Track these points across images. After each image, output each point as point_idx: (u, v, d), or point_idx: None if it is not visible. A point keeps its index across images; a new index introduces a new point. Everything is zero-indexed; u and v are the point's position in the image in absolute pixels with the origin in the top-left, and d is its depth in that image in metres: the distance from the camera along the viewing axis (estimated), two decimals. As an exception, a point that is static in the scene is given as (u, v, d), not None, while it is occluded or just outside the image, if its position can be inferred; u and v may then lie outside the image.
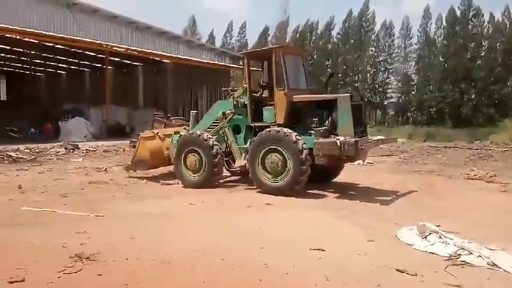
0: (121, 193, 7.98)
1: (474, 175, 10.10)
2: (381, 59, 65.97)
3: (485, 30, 55.68)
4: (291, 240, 4.82)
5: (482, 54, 53.12)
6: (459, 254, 4.27)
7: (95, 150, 15.92)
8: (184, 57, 28.95)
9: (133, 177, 9.82)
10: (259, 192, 7.75)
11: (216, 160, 8.37)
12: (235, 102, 8.63)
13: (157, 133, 10.06)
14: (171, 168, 9.70)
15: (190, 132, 9.07)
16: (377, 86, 66.46)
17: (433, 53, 58.13)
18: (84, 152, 15.53)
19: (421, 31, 62.03)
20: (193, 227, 5.52)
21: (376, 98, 65.82)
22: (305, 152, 7.27)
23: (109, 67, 27.99)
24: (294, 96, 7.99)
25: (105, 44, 23.59)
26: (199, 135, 8.58)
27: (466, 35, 53.57)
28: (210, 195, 7.63)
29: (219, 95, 28.53)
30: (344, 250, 4.54)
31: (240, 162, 8.49)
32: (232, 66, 32.95)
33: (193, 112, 10.30)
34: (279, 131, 7.54)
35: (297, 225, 5.65)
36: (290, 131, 7.49)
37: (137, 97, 32.72)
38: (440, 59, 55.72)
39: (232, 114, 8.72)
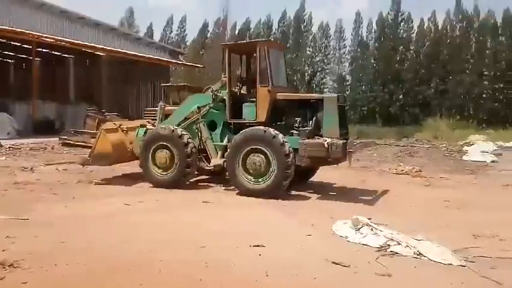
0: (49, 194, 7.42)
1: (401, 170, 10.85)
2: (317, 59, 68.34)
3: (414, 35, 59.84)
4: (232, 238, 4.82)
5: (409, 57, 57.11)
6: (389, 245, 4.55)
7: (19, 148, 14.69)
8: (121, 50, 27.72)
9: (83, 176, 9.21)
10: (233, 191, 7.65)
11: (190, 159, 7.92)
12: (213, 96, 8.21)
13: (120, 125, 9.31)
14: (114, 167, 9.31)
15: (162, 126, 8.41)
16: (314, 85, 68.79)
17: (365, 55, 61.43)
18: (8, 149, 14.27)
19: (354, 34, 65.24)
20: (128, 228, 5.28)
21: (313, 97, 67.90)
22: (291, 155, 7.02)
23: (36, 59, 25.95)
24: (278, 93, 7.78)
25: (31, 34, 21.82)
26: (173, 131, 8.04)
27: (395, 39, 57.23)
28: (150, 195, 7.35)
29: (158, 90, 27.68)
30: (284, 245, 4.64)
31: (216, 160, 8.02)
32: (172, 62, 32.18)
33: (161, 104, 9.54)
34: (265, 130, 7.19)
35: (237, 222, 5.67)
36: (276, 131, 7.19)
37: (68, 91, 30.71)
38: (372, 61, 59.05)
39: (208, 109, 8.28)
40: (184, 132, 8.06)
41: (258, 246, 4.47)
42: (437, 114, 36.52)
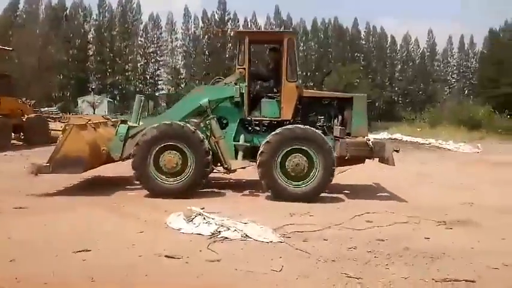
0: None
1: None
2: (150, 50, 66.57)
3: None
4: (50, 246, 4.26)
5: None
6: (220, 231, 4.78)
7: None
8: None
9: None
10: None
11: (208, 158, 6.73)
12: (238, 90, 7.07)
13: (89, 121, 7.31)
14: None
15: (166, 122, 6.86)
16: (148, 77, 66.89)
17: (197, 49, 62.95)
18: None
19: (184, 28, 66.01)
20: None
21: (148, 89, 66.25)
22: (333, 155, 6.65)
23: None
24: (304, 90, 7.40)
25: None
26: (183, 127, 6.73)
27: (223, 37, 60.39)
28: None
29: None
30: (112, 246, 4.35)
31: (239, 163, 7.09)
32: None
33: (141, 97, 7.92)
34: (307, 129, 6.71)
35: (58, 228, 5.03)
36: (315, 129, 6.82)
37: None
38: (203, 56, 60.99)
39: (217, 104, 7.19)
40: (195, 128, 6.87)
41: (82, 251, 4.09)
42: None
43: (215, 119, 7.11)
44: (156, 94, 67.12)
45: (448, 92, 70.08)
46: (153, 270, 3.72)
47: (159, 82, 67.77)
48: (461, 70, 73.82)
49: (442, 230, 5.30)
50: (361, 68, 60.23)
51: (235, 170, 7.21)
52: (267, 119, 7.30)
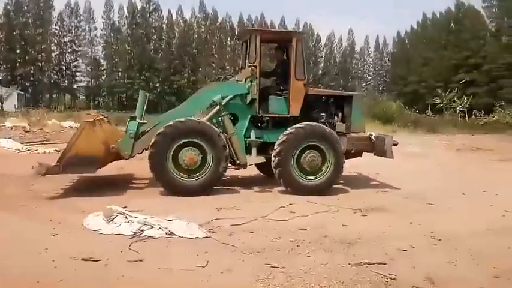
0: None
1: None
2: (67, 39, 61.96)
3: (165, 25, 62.22)
4: None
5: (163, 47, 59.30)
6: (142, 230, 4.61)
7: None
8: None
9: None
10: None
11: (227, 154, 6.79)
12: (248, 85, 7.15)
13: (98, 118, 6.82)
14: None
15: (183, 119, 6.73)
16: (64, 68, 62.24)
17: (119, 40, 59.89)
18: None
19: (105, 17, 62.39)
20: None
21: (65, 81, 61.70)
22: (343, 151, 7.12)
23: None
24: (309, 88, 7.65)
25: None
26: (199, 123, 6.76)
27: (147, 28, 58.19)
28: None
29: None
30: (22, 251, 3.98)
31: (254, 158, 7.24)
32: None
33: (147, 94, 7.54)
34: (321, 127, 7.15)
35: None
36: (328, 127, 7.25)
37: None
38: (126, 47, 58.18)
39: (228, 101, 7.14)
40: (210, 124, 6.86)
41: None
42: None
43: (228, 115, 7.17)
44: (74, 86, 62.70)
45: (365, 89, 75.03)
46: (69, 275, 3.48)
47: (77, 74, 63.32)
48: (376, 68, 79.40)
49: (358, 217, 5.68)
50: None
51: (246, 166, 7.31)
52: (276, 115, 7.53)
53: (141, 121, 7.08)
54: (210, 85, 8.73)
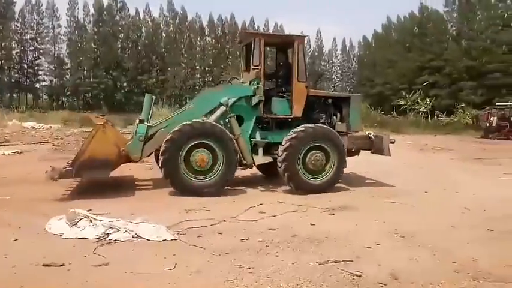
0: None
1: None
2: (28, 37, 59.49)
3: (131, 24, 60.79)
4: None
5: (130, 46, 58.00)
6: (108, 234, 4.49)
7: None
8: None
9: None
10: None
11: (237, 156, 6.96)
12: (254, 87, 7.30)
13: (107, 121, 7.07)
14: None
15: (197, 121, 6.88)
16: (26, 66, 59.74)
17: (84, 38, 58.06)
18: None
19: (70, 15, 60.29)
20: None
21: (26, 80, 59.21)
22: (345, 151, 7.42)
23: None
24: (310, 90, 7.84)
25: None
26: (211, 125, 6.91)
27: (114, 26, 56.71)
28: None
29: None
30: (-23, 259, 3.78)
31: (261, 158, 7.43)
32: None
33: (153, 96, 7.78)
34: (326, 128, 7.42)
35: None
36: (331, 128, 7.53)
37: None
38: (92, 45, 56.49)
39: (233, 103, 7.29)
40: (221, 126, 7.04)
41: None
42: (159, 103, 38.78)
43: (235, 117, 7.30)
44: (37, 86, 60.26)
45: (333, 90, 76.45)
46: (30, 282, 3.34)
47: (40, 72, 60.85)
48: (344, 70, 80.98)
49: (325, 216, 5.77)
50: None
51: (252, 166, 7.63)
52: (280, 116, 7.76)
53: (150, 124, 7.19)
54: (218, 87, 8.78)
